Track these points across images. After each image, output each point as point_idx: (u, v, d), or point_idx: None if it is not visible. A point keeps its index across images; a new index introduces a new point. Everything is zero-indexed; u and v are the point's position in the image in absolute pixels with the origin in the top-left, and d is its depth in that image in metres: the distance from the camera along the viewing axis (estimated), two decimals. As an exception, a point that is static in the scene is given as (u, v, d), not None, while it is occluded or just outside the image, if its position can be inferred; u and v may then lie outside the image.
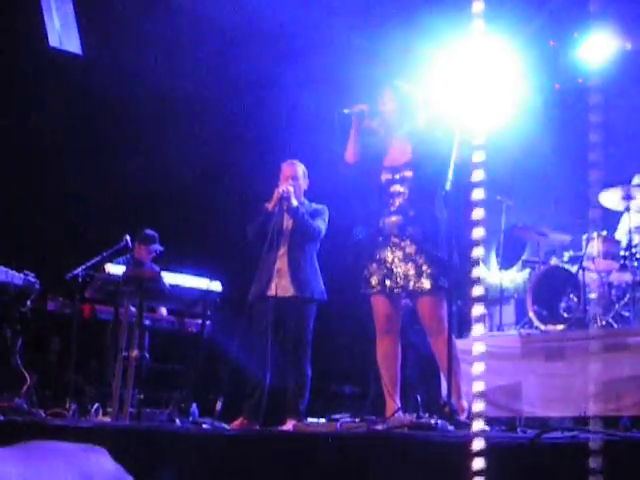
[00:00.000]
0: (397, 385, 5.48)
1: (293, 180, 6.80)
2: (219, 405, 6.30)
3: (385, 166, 5.53)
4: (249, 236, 6.73)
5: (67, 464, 1.48)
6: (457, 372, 5.21)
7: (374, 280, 5.45)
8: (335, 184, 8.82)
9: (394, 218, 5.41)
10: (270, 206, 6.61)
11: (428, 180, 5.36)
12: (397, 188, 5.43)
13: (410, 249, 5.32)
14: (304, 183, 6.91)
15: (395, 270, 5.36)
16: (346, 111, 5.58)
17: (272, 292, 6.59)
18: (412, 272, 5.30)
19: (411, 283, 5.29)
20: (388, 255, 5.40)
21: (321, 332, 9.00)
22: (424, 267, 5.27)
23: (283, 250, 6.69)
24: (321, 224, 6.71)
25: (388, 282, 5.38)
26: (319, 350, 8.93)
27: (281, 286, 6.61)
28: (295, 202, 6.64)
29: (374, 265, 5.46)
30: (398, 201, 5.41)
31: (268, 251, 6.59)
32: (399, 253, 5.36)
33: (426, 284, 5.25)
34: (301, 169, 6.91)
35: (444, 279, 5.24)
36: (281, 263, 6.66)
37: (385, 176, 5.50)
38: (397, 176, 5.45)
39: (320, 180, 8.75)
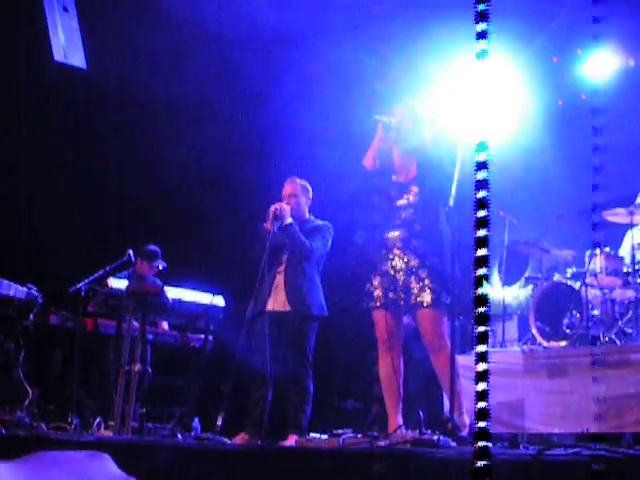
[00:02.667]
0: (400, 401, 5.46)
1: (291, 198, 6.84)
2: (220, 420, 6.29)
3: (392, 181, 5.54)
4: (254, 255, 6.73)
5: (72, 472, 1.49)
6: (458, 388, 5.20)
7: (377, 293, 5.45)
8: (338, 195, 8.86)
9: (399, 232, 5.42)
10: (268, 225, 6.64)
11: (433, 195, 5.38)
12: (403, 202, 5.45)
13: (414, 262, 5.33)
14: (305, 199, 6.94)
15: (398, 283, 5.36)
16: (377, 117, 5.60)
17: (269, 307, 6.65)
18: (414, 285, 5.30)
19: (413, 297, 5.29)
20: (390, 268, 5.41)
21: (323, 347, 9.00)
22: (426, 281, 5.28)
23: (282, 267, 6.74)
24: (319, 242, 6.72)
25: (391, 294, 5.39)
26: (321, 365, 8.93)
27: (278, 302, 6.67)
28: (288, 220, 6.65)
29: (377, 278, 5.47)
30: (404, 214, 5.42)
31: (268, 268, 6.60)
32: (402, 266, 5.36)
33: (427, 298, 5.26)
34: (300, 186, 6.95)
35: (446, 295, 5.25)
36: (279, 279, 6.72)
37: (391, 190, 5.52)
38: (403, 190, 5.47)
39: (323, 191, 8.78)
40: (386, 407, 5.52)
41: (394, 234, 5.43)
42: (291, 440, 6.27)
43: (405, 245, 5.38)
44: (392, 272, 5.40)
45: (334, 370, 8.72)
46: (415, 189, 5.43)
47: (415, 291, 5.29)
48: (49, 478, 1.44)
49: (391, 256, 5.42)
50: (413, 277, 5.32)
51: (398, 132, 5.61)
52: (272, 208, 6.64)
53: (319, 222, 6.91)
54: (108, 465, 1.57)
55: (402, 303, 5.38)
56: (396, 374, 5.45)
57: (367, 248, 5.66)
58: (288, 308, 6.62)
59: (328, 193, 8.88)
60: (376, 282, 5.48)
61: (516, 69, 6.13)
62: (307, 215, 6.96)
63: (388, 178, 5.55)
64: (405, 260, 5.36)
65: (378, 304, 5.46)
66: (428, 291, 5.26)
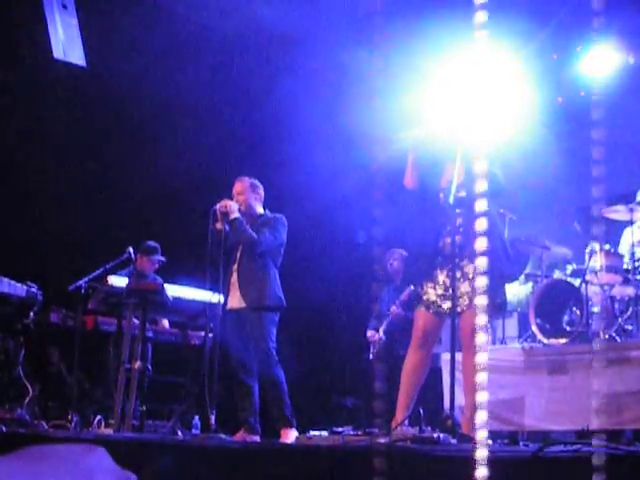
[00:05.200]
0: (411, 400, 5.42)
1: (240, 195, 6.96)
2: (212, 418, 6.32)
3: (442, 187, 5.47)
4: (213, 257, 6.78)
5: (69, 464, 1.50)
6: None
7: (427, 297, 5.42)
8: (337, 193, 8.86)
9: (451, 238, 5.35)
10: (219, 225, 6.74)
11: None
12: (455, 210, 5.37)
13: (468, 269, 5.28)
14: (255, 195, 7.04)
15: (449, 290, 5.30)
16: (400, 136, 5.54)
17: (229, 306, 6.77)
18: (468, 290, 5.26)
19: (465, 301, 5.26)
20: (446, 276, 5.37)
21: (323, 344, 9.01)
22: (480, 286, 5.24)
23: (236, 264, 6.84)
24: (267, 234, 6.78)
25: (441, 302, 5.37)
26: (321, 363, 8.94)
27: (234, 299, 6.77)
28: (234, 214, 6.73)
29: (430, 284, 5.44)
30: (458, 221, 5.36)
31: (224, 266, 6.74)
32: (457, 273, 5.31)
33: (478, 302, 5.23)
34: (249, 183, 7.05)
35: (495, 297, 5.22)
36: (235, 276, 6.82)
37: (442, 197, 5.44)
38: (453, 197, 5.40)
39: (318, 190, 8.78)
40: (397, 402, 5.49)
41: (449, 240, 5.38)
42: (284, 434, 6.32)
43: (461, 251, 5.33)
44: (448, 280, 5.35)
45: (334, 368, 8.72)
46: (463, 194, 5.33)
47: (467, 295, 5.25)
48: (44, 471, 1.45)
49: (447, 263, 5.36)
50: (468, 282, 5.27)
51: (439, 142, 5.52)
52: (217, 207, 6.71)
53: (271, 215, 7.00)
54: (103, 458, 1.58)
55: (448, 310, 5.32)
56: (419, 374, 5.43)
57: (421, 254, 5.59)
58: (243, 304, 6.71)
59: (327, 191, 8.91)
60: (429, 287, 5.45)
61: (516, 66, 6.13)
62: (261, 211, 7.04)
63: (436, 187, 5.47)
64: (460, 266, 5.31)
65: (425, 305, 5.43)
66: (480, 295, 5.23)
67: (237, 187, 7.02)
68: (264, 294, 6.70)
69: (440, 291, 5.39)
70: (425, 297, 5.45)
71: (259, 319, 6.65)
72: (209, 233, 6.66)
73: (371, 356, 8.81)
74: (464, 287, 5.28)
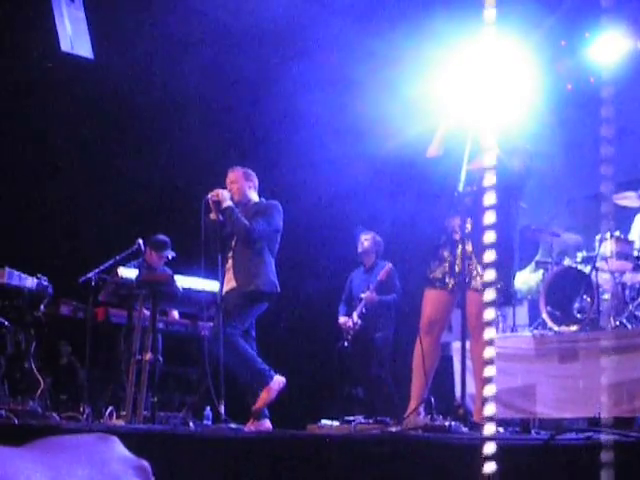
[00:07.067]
0: (422, 388, 5.41)
1: (233, 184, 6.99)
2: (222, 409, 6.32)
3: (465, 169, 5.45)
4: (209, 250, 6.78)
5: (81, 454, 1.49)
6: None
7: (434, 275, 5.45)
8: (340, 184, 8.84)
9: (459, 219, 5.38)
10: (213, 215, 6.77)
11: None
12: (467, 189, 5.35)
13: (468, 247, 5.32)
14: (249, 184, 7.06)
15: (456, 267, 5.35)
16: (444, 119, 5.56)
17: (224, 290, 6.77)
18: (470, 269, 5.28)
19: (467, 280, 5.28)
20: (449, 254, 5.40)
21: (333, 333, 9.00)
22: (480, 267, 5.27)
23: (231, 252, 6.86)
24: (261, 221, 6.79)
25: (447, 278, 5.40)
26: (330, 352, 8.93)
27: (229, 283, 6.79)
28: (226, 203, 6.76)
29: (436, 262, 5.47)
30: (467, 201, 5.35)
31: (221, 255, 6.78)
32: (458, 251, 5.35)
33: (479, 282, 5.26)
34: (242, 172, 7.08)
35: (499, 281, 5.21)
36: (230, 262, 6.84)
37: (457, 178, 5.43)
38: (469, 179, 5.38)
39: (325, 181, 8.76)
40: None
41: (455, 221, 5.40)
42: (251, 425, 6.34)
43: (465, 231, 5.35)
44: (450, 258, 5.39)
45: (345, 357, 8.72)
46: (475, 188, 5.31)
47: (469, 275, 5.27)
48: (58, 462, 1.44)
49: (450, 241, 5.40)
50: (470, 262, 5.30)
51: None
52: (209, 196, 6.73)
53: (266, 202, 7.04)
54: (116, 447, 1.57)
55: (455, 287, 5.35)
56: (429, 360, 5.42)
57: (428, 233, 5.64)
58: (234, 284, 6.73)
59: (334, 182, 8.90)
60: (435, 266, 5.47)
61: (524, 53, 6.10)
62: (255, 199, 7.07)
63: (452, 165, 5.46)
64: (464, 246, 5.33)
65: (433, 285, 5.45)
66: (481, 276, 5.26)
67: (230, 176, 7.05)
68: (258, 279, 6.71)
69: (444, 268, 5.41)
70: (431, 275, 5.47)
71: (242, 300, 6.67)
72: (202, 224, 6.68)
73: (346, 343, 8.65)
74: (466, 266, 5.29)
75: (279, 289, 6.83)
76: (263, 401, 6.50)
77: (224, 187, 6.91)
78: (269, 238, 6.87)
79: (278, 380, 6.55)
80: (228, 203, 6.77)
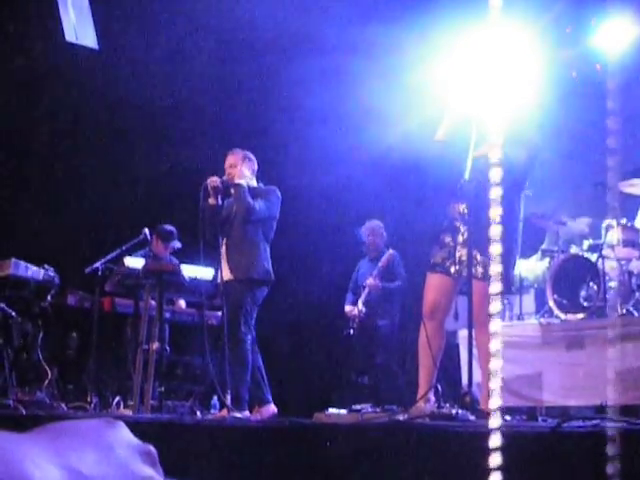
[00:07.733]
0: (430, 374, 5.40)
1: (232, 168, 6.95)
2: (228, 398, 6.31)
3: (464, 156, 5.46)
4: (207, 236, 6.76)
5: (88, 439, 1.49)
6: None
7: (434, 260, 5.46)
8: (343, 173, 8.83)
9: (462, 205, 5.39)
10: (212, 201, 6.75)
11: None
12: (470, 176, 5.35)
13: (466, 235, 5.32)
14: (248, 167, 7.03)
15: (456, 253, 5.36)
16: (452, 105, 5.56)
17: (221, 279, 6.74)
18: (472, 256, 5.28)
19: (468, 267, 5.27)
20: (451, 239, 5.41)
21: (339, 323, 9.00)
22: (479, 255, 5.27)
23: (227, 236, 6.84)
24: (261, 203, 6.80)
25: (448, 263, 5.40)
26: (337, 341, 8.95)
27: (225, 272, 6.76)
28: (239, 180, 6.81)
29: (437, 247, 5.48)
30: (471, 191, 5.34)
31: (219, 240, 6.77)
32: (460, 238, 5.36)
33: (481, 270, 5.26)
34: (241, 155, 7.04)
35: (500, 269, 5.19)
36: (224, 248, 6.81)
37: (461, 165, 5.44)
38: (473, 165, 5.38)
39: (329, 169, 8.73)
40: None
41: (457, 206, 5.41)
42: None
43: (463, 218, 5.36)
44: (452, 243, 5.40)
45: (350, 346, 8.73)
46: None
47: (474, 262, 5.27)
48: (64, 447, 1.44)
49: (451, 227, 5.42)
50: (471, 249, 5.29)
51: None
52: (207, 182, 6.72)
53: (265, 187, 7.04)
54: (123, 432, 1.57)
55: (456, 274, 5.37)
56: (434, 346, 5.40)
57: (431, 219, 5.66)
58: (231, 276, 6.70)
59: (337, 170, 8.88)
60: (436, 250, 5.49)
61: (529, 40, 6.07)
62: (254, 183, 7.03)
63: (458, 151, 5.46)
64: (466, 232, 5.33)
65: (434, 269, 5.46)
66: (482, 264, 5.26)
67: (230, 159, 7.02)
68: (252, 267, 6.71)
69: (445, 253, 5.42)
70: (432, 260, 5.49)
71: (242, 291, 6.65)
72: (200, 210, 6.67)
73: (351, 331, 8.70)
74: (468, 253, 5.27)
75: (273, 276, 6.82)
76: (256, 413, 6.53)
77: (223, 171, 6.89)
78: (265, 223, 6.86)
79: (270, 409, 6.56)
80: (242, 181, 6.77)
